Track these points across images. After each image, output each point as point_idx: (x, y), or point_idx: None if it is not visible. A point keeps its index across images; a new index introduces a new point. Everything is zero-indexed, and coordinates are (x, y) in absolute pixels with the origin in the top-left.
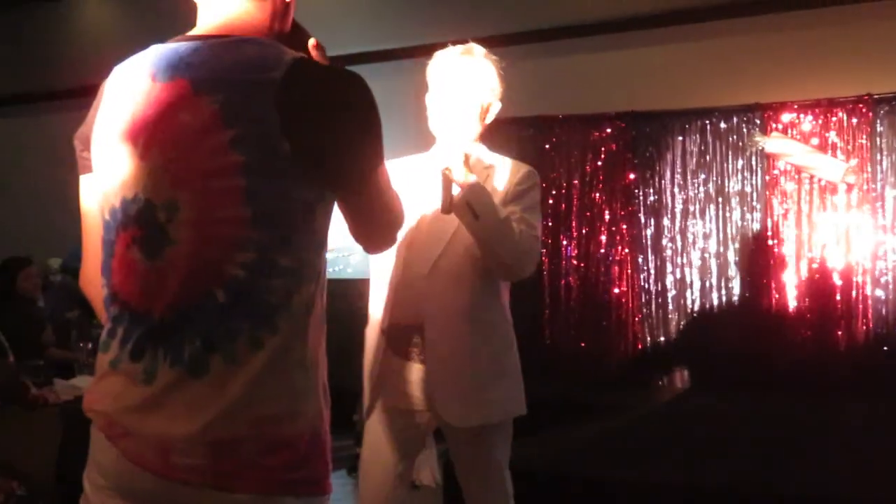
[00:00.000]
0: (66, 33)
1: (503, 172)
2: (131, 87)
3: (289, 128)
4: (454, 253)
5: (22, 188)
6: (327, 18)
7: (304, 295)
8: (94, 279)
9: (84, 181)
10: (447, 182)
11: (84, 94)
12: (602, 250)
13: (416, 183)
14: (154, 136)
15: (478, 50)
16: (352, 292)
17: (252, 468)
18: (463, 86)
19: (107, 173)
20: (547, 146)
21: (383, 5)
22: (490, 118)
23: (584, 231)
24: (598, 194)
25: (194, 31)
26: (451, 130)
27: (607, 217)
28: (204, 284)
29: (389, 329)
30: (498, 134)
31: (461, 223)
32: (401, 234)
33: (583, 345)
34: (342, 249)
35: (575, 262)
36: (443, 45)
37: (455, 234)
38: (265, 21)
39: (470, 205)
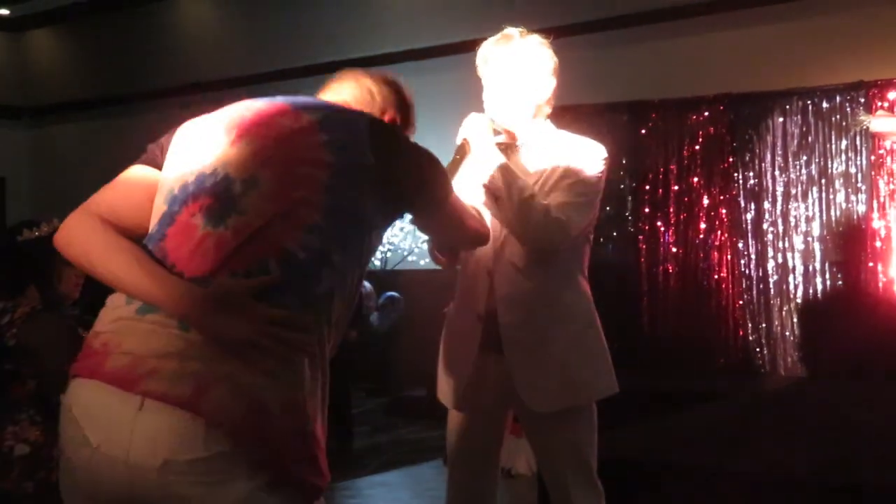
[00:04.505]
0: (163, 34)
1: (568, 148)
2: (232, 105)
3: (376, 147)
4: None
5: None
6: (401, 13)
7: (335, 307)
8: (104, 214)
9: (139, 167)
10: (462, 153)
11: (179, 94)
12: (701, 236)
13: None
14: (248, 130)
15: (515, 32)
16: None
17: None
18: (510, 73)
19: (186, 159)
20: (643, 131)
21: None
22: (548, 96)
23: (682, 217)
24: (696, 179)
25: None
26: (510, 119)
27: (706, 202)
28: (261, 253)
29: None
30: (593, 120)
31: None
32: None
33: (682, 332)
34: None
35: (673, 248)
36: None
37: None
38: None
39: (487, 188)
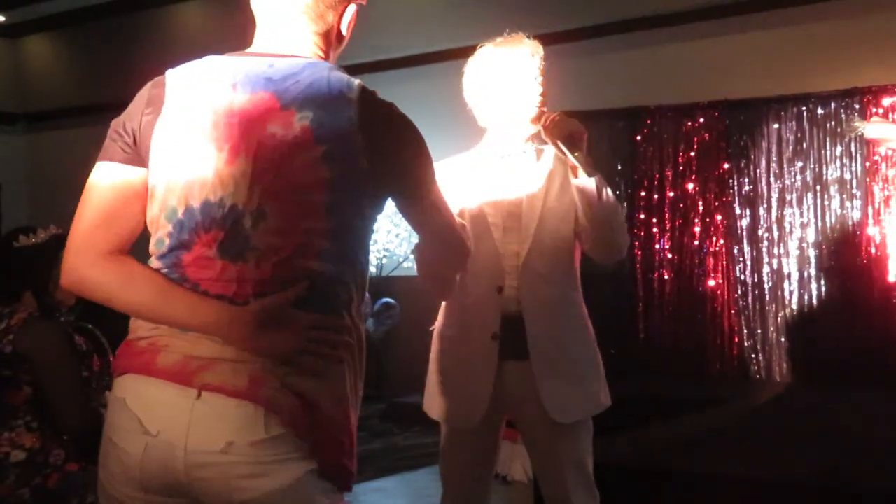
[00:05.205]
0: (160, 41)
1: (560, 158)
2: (207, 91)
3: (368, 146)
4: (541, 248)
5: None
6: (398, 19)
7: (354, 305)
8: (95, 250)
9: (113, 171)
10: (579, 147)
11: None
12: (696, 242)
13: (483, 178)
14: (241, 144)
15: (511, 39)
16: None
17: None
18: (505, 79)
19: (178, 171)
20: (639, 137)
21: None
22: (541, 102)
23: (677, 223)
24: (691, 185)
25: (259, 49)
26: (515, 120)
27: (701, 208)
28: (284, 280)
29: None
30: (588, 126)
31: (545, 213)
32: (481, 232)
33: (677, 338)
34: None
35: (668, 254)
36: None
37: (539, 228)
38: (323, 50)
39: (595, 181)
